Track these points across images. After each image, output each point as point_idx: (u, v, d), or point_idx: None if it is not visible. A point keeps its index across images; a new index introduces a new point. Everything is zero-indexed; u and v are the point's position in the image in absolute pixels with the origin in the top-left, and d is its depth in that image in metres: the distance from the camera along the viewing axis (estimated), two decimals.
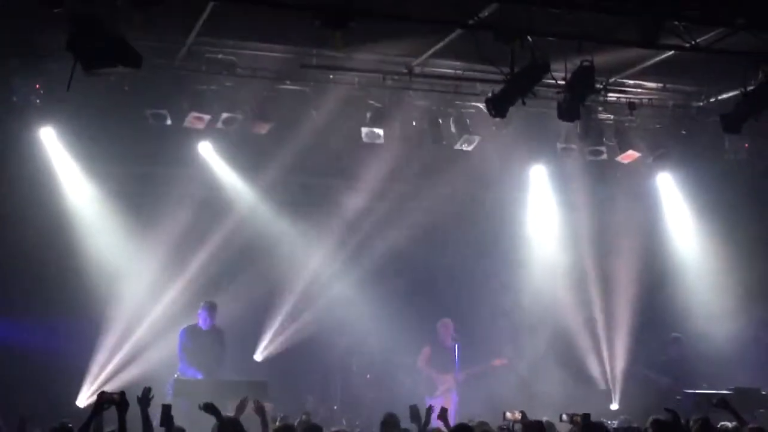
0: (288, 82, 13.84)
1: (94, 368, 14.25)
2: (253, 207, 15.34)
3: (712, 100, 14.36)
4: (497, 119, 12.21)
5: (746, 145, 15.14)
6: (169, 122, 13.62)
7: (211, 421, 8.75)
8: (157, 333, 14.49)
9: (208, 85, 13.56)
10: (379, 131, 14.31)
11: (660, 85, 14.34)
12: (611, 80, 13.72)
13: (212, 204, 15.00)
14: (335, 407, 15.31)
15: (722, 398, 10.33)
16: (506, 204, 16.49)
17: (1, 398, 12.57)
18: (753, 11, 11.04)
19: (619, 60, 12.90)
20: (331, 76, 13.73)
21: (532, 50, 11.14)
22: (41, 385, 13.73)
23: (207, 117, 13.69)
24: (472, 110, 14.50)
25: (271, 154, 14.55)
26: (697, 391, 13.55)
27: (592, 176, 15.88)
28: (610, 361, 16.27)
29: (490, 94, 11.98)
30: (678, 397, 13.68)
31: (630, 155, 15.10)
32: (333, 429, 10.15)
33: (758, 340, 15.79)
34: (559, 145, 15.24)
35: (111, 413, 7.92)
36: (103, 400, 7.89)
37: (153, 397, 8.27)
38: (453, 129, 14.72)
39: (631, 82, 14.11)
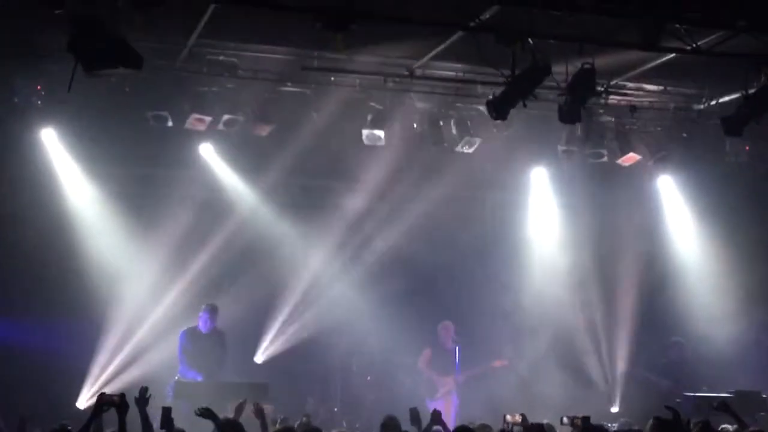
0: (289, 84, 13.84)
1: (94, 369, 14.25)
2: (254, 209, 15.34)
3: (713, 102, 14.35)
4: (498, 121, 12.21)
5: (747, 147, 15.14)
6: (170, 124, 13.63)
7: (209, 423, 8.75)
8: (157, 335, 14.49)
9: (210, 86, 13.56)
10: (380, 133, 14.32)
11: (661, 87, 14.34)
12: (612, 83, 13.73)
13: (213, 205, 15.01)
14: (335, 409, 15.31)
15: (723, 401, 10.32)
16: (507, 206, 16.51)
17: (1, 398, 12.57)
18: (754, 14, 11.04)
19: (620, 62, 12.90)
20: (332, 78, 13.73)
21: (533, 52, 11.15)
22: (41, 385, 13.73)
23: (208, 118, 13.69)
24: (473, 112, 14.50)
25: (272, 155, 14.56)
26: (697, 394, 13.54)
27: (592, 179, 15.88)
28: (611, 364, 16.27)
29: (491, 97, 11.99)
30: (678, 400, 13.66)
31: (631, 158, 15.10)
32: (334, 431, 10.16)
33: (759, 343, 15.78)
34: (560, 148, 15.24)
35: (111, 415, 7.92)
36: (103, 401, 7.89)
37: (150, 396, 8.26)
38: (454, 131, 14.72)
39: (632, 84, 14.10)
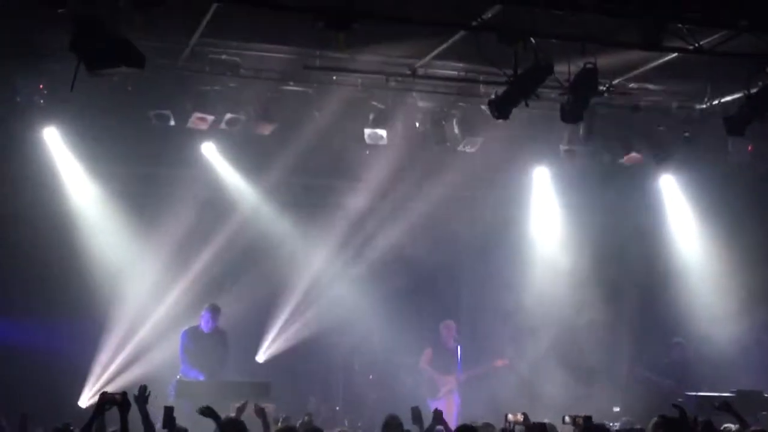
0: (291, 83, 13.82)
1: (96, 368, 14.28)
2: (256, 208, 15.35)
3: (716, 102, 14.32)
4: (500, 121, 12.19)
5: (750, 147, 15.11)
6: (172, 123, 13.62)
7: (211, 421, 8.76)
8: (159, 334, 14.52)
9: (212, 85, 13.54)
10: (382, 132, 14.31)
11: (663, 87, 14.31)
12: (614, 82, 13.70)
13: (215, 205, 15.02)
14: (337, 408, 15.33)
15: (724, 401, 10.32)
16: (509, 205, 16.49)
17: (3, 397, 12.58)
18: (756, 13, 11.03)
19: (623, 62, 12.88)
20: (334, 78, 13.72)
21: (535, 52, 11.13)
22: (43, 384, 13.75)
23: (210, 118, 13.68)
24: (475, 112, 14.48)
25: (274, 155, 14.56)
26: (699, 394, 13.54)
27: (594, 178, 15.86)
28: (612, 363, 16.27)
29: (493, 96, 11.98)
30: (680, 400, 13.67)
31: (633, 157, 15.09)
32: (336, 430, 10.17)
33: (761, 343, 15.77)
34: (561, 147, 15.22)
35: (113, 414, 7.93)
36: (105, 400, 7.90)
37: (149, 394, 8.26)
38: (456, 130, 14.71)
39: (634, 84, 14.08)
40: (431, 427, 9.64)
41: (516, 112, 12.03)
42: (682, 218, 16.57)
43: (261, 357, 15.48)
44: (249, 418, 9.29)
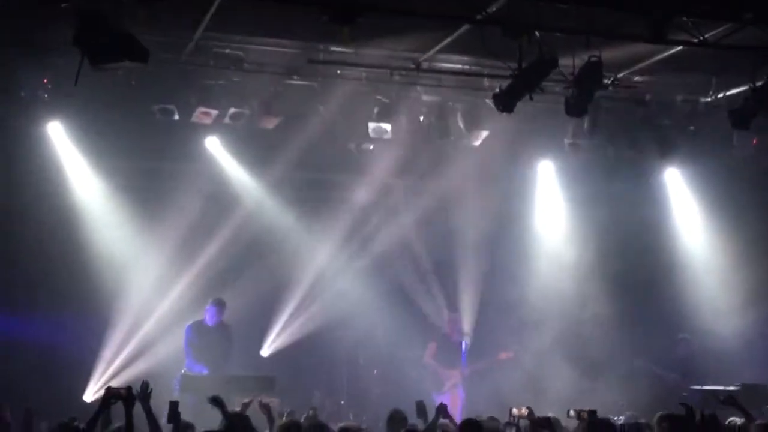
0: (295, 77, 13.81)
1: (101, 363, 14.28)
2: (260, 202, 15.33)
3: (721, 95, 14.30)
4: (504, 114, 12.18)
5: (755, 141, 15.09)
6: (176, 117, 13.62)
7: (217, 416, 8.76)
8: (164, 328, 14.52)
9: (216, 80, 13.54)
10: (387, 126, 14.31)
11: (668, 80, 14.29)
12: (619, 75, 13.68)
13: (219, 199, 15.01)
14: (342, 402, 15.33)
15: (729, 395, 10.31)
16: (513, 199, 16.47)
17: (8, 392, 12.58)
18: (762, 6, 11.00)
19: (627, 55, 12.86)
20: (338, 72, 13.71)
21: (540, 45, 11.12)
22: (48, 379, 13.76)
23: (214, 112, 13.69)
24: (480, 105, 14.47)
25: (278, 149, 14.54)
26: (704, 388, 13.53)
27: (599, 172, 15.84)
28: (617, 357, 16.25)
29: (497, 90, 11.96)
30: (685, 394, 13.67)
31: (636, 151, 15.09)
32: (340, 424, 10.16)
33: (765, 337, 15.74)
34: (566, 141, 15.22)
35: (118, 408, 7.93)
36: (110, 395, 7.91)
37: (151, 391, 8.27)
38: (460, 124, 14.70)
39: (639, 77, 14.06)
40: (434, 421, 9.63)
41: (520, 106, 12.01)
42: (687, 212, 16.56)
43: (265, 351, 15.48)
44: (254, 412, 9.30)
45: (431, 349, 15.39)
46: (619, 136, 15.08)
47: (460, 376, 15.19)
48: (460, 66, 13.74)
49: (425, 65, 13.52)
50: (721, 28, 11.62)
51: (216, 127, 14.16)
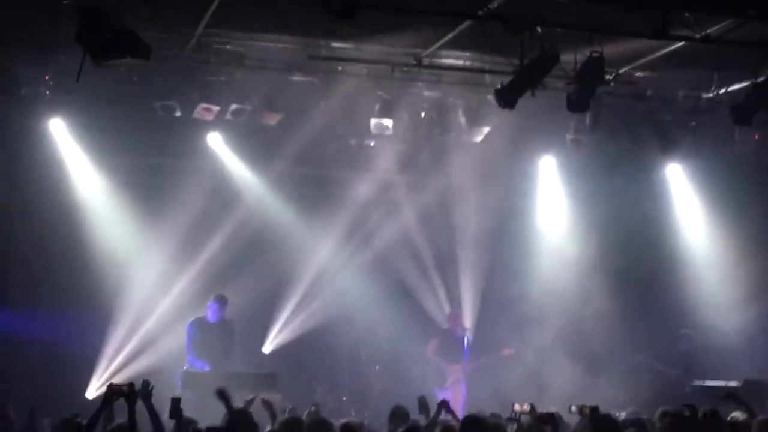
0: (297, 73, 13.81)
1: (103, 360, 14.29)
2: (261, 198, 15.34)
3: (723, 91, 14.29)
4: (506, 110, 12.17)
5: (756, 136, 15.08)
6: (178, 114, 13.64)
7: (220, 412, 8.78)
8: (166, 324, 14.51)
9: (217, 76, 13.55)
10: (388, 122, 14.31)
11: (670, 76, 14.28)
12: (621, 71, 13.68)
13: (221, 195, 15.01)
14: (344, 398, 15.33)
15: (729, 391, 10.31)
16: (515, 195, 16.47)
17: (11, 389, 12.61)
18: (764, 2, 10.99)
19: (629, 51, 12.85)
20: (339, 68, 13.71)
21: (542, 41, 11.11)
22: (50, 376, 13.77)
23: (216, 108, 13.70)
24: (481, 101, 14.46)
25: (279, 145, 14.55)
26: (705, 383, 13.53)
27: (601, 168, 15.84)
28: (619, 352, 16.25)
29: (499, 86, 11.95)
30: (686, 389, 13.68)
31: (638, 146, 15.09)
32: (342, 420, 10.16)
33: (767, 332, 15.74)
34: (568, 137, 15.22)
35: (121, 404, 7.94)
36: (112, 391, 7.91)
37: (152, 388, 8.28)
38: (461, 120, 14.71)
39: (641, 73, 14.05)
40: (436, 417, 9.64)
41: (522, 102, 12.00)
42: (689, 207, 16.56)
43: (267, 348, 15.48)
44: (256, 409, 9.31)
45: (433, 344, 15.40)
46: (621, 131, 15.07)
47: (462, 372, 15.20)
48: (461, 62, 13.74)
49: (427, 61, 13.52)
50: (723, 24, 11.60)
51: (217, 123, 14.16)
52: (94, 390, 14.07)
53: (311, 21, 11.34)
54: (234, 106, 13.77)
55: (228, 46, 13.08)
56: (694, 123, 15.08)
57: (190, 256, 14.80)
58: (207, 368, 13.20)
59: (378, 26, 11.83)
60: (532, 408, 9.41)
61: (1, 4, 11.21)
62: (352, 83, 13.86)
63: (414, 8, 11.10)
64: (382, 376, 15.80)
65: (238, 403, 9.52)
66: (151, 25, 10.69)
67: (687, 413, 8.82)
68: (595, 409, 8.90)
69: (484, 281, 16.35)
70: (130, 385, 7.90)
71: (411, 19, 11.81)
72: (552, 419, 9.08)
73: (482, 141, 14.85)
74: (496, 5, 11.02)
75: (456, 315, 15.69)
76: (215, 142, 14.85)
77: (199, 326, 13.60)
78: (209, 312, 13.66)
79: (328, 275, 15.75)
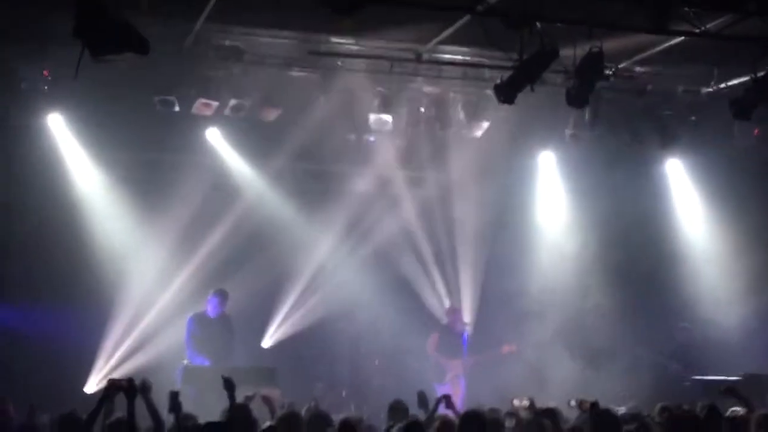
0: (296, 68, 13.80)
1: (102, 355, 14.29)
2: (260, 193, 15.32)
3: (722, 86, 14.29)
4: (505, 105, 12.17)
5: (756, 131, 15.09)
6: (177, 108, 13.62)
7: (219, 407, 8.78)
8: (165, 319, 14.51)
9: (216, 71, 13.54)
10: (387, 118, 14.32)
11: (669, 71, 14.27)
12: (620, 66, 13.67)
13: (220, 190, 15.00)
14: (343, 393, 15.32)
15: (729, 386, 10.32)
16: (514, 190, 16.46)
17: (10, 385, 12.58)
18: None
19: (629, 46, 12.84)
20: (339, 63, 13.70)
21: (541, 36, 11.09)
22: (50, 371, 13.74)
23: (215, 103, 13.69)
24: (481, 97, 14.45)
25: (279, 140, 14.54)
26: (705, 378, 13.53)
27: (600, 163, 15.82)
28: (619, 347, 16.25)
29: (498, 81, 11.94)
30: (686, 384, 13.69)
31: (637, 141, 15.09)
32: (341, 415, 10.16)
33: (766, 326, 15.74)
34: (567, 132, 15.21)
35: (120, 399, 7.94)
36: (112, 386, 7.91)
37: (152, 386, 8.30)
38: (461, 115, 14.70)
39: (641, 68, 14.04)
40: (433, 411, 9.64)
41: (521, 97, 11.99)
42: (688, 202, 16.56)
43: (267, 343, 15.48)
44: (256, 404, 9.32)
45: (433, 339, 15.39)
46: (620, 126, 15.06)
47: (461, 368, 15.19)
48: (460, 57, 13.74)
49: (426, 56, 13.52)
50: (722, 18, 11.59)
51: (217, 118, 14.15)
52: (93, 385, 14.07)
53: (310, 16, 11.32)
54: (233, 102, 13.76)
55: (227, 41, 13.06)
56: (693, 118, 15.08)
57: (189, 251, 14.79)
58: (207, 363, 13.19)
59: (377, 21, 11.82)
60: (532, 403, 9.43)
61: None
62: (351, 78, 13.86)
63: (414, 3, 11.08)
64: (381, 371, 15.81)
65: (237, 398, 9.54)
66: (150, 19, 10.66)
67: (686, 407, 8.83)
68: (594, 404, 8.91)
69: (483, 276, 16.35)
70: (130, 380, 7.92)
71: (411, 15, 11.79)
72: (552, 414, 9.09)
73: (482, 136, 14.84)
74: (495, 0, 11.00)
75: (455, 310, 15.69)
76: (214, 137, 14.83)
77: (200, 321, 13.59)
78: (209, 306, 13.64)
79: (327, 270, 15.75)
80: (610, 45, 11.81)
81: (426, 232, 16.11)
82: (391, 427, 8.92)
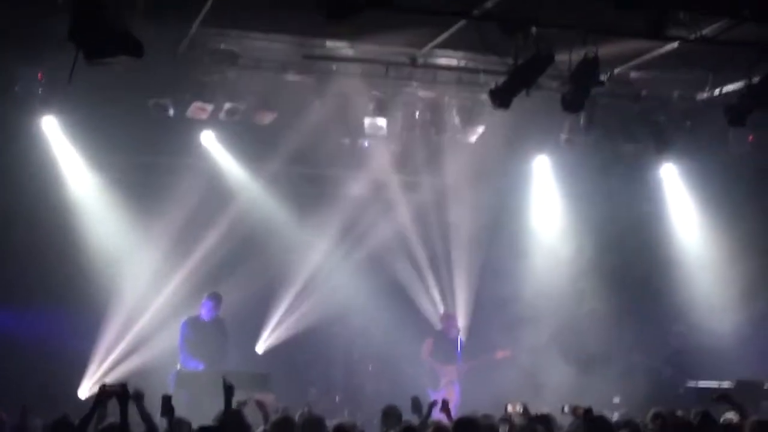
0: (291, 72, 13.79)
1: (96, 359, 14.25)
2: (255, 197, 15.31)
3: (717, 92, 14.29)
4: (501, 110, 12.16)
5: (750, 137, 15.10)
6: (171, 112, 13.61)
7: (211, 411, 8.76)
8: (159, 323, 14.48)
9: (211, 75, 13.52)
10: (382, 122, 14.31)
11: (664, 76, 14.27)
12: (616, 71, 13.67)
13: (214, 194, 14.97)
14: (337, 398, 15.31)
15: (722, 393, 10.32)
16: (509, 195, 16.46)
17: (2, 388, 12.56)
18: (758, 2, 10.98)
19: (624, 51, 12.85)
20: (334, 67, 13.69)
21: (537, 41, 11.09)
22: (43, 376, 13.70)
23: (210, 107, 13.68)
24: (476, 101, 14.45)
25: (273, 144, 14.53)
26: (699, 384, 13.53)
27: (595, 167, 15.83)
28: (613, 353, 16.25)
29: (493, 85, 11.94)
30: (680, 390, 13.68)
31: (633, 147, 15.11)
32: (335, 421, 10.13)
33: (760, 333, 15.75)
34: (562, 136, 15.22)
35: (113, 404, 7.92)
36: (105, 391, 7.89)
37: (144, 394, 8.28)
38: (456, 120, 14.71)
39: (636, 73, 14.05)
40: (427, 416, 9.64)
41: (516, 102, 11.99)
42: (683, 208, 16.57)
43: (260, 347, 15.45)
44: (250, 409, 9.29)
45: (428, 344, 15.37)
46: (616, 131, 15.07)
47: (455, 373, 15.18)
48: (456, 62, 13.73)
49: (421, 61, 13.52)
50: (717, 24, 11.60)
51: (211, 122, 14.14)
52: (86, 389, 14.03)
53: (305, 20, 11.31)
54: (228, 105, 13.75)
55: (222, 45, 13.05)
56: (688, 123, 15.08)
57: (183, 254, 14.77)
58: (201, 367, 13.16)
59: (373, 26, 11.80)
60: (525, 409, 9.42)
61: None
62: (346, 83, 13.86)
63: (409, 8, 11.06)
64: (375, 377, 15.80)
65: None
66: (145, 22, 10.64)
67: (680, 414, 8.83)
68: (588, 410, 8.91)
69: (478, 281, 16.34)
70: (123, 385, 7.89)
71: (406, 19, 11.77)
72: (546, 420, 9.08)
73: (476, 140, 14.85)
74: (490, 5, 11.00)
75: (450, 315, 15.67)
76: (209, 140, 14.81)
77: (193, 325, 13.55)
78: (203, 310, 13.61)
79: (322, 274, 15.73)
80: (605, 50, 11.83)
81: (420, 237, 16.10)
82: None
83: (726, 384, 13.05)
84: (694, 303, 16.01)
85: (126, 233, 14.53)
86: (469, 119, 14.61)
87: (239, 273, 14.73)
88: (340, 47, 13.12)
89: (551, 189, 16.59)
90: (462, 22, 11.80)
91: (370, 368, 15.86)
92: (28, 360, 13.83)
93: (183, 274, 14.69)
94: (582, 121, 14.62)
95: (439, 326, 15.68)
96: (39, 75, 13.00)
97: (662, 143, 15.18)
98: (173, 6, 11.09)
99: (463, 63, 13.73)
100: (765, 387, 13.69)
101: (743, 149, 15.21)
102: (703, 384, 13.51)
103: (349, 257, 15.78)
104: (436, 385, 15.04)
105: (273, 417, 9.34)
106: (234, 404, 9.39)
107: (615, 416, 12.08)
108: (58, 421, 8.73)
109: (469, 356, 15.33)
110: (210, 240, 14.77)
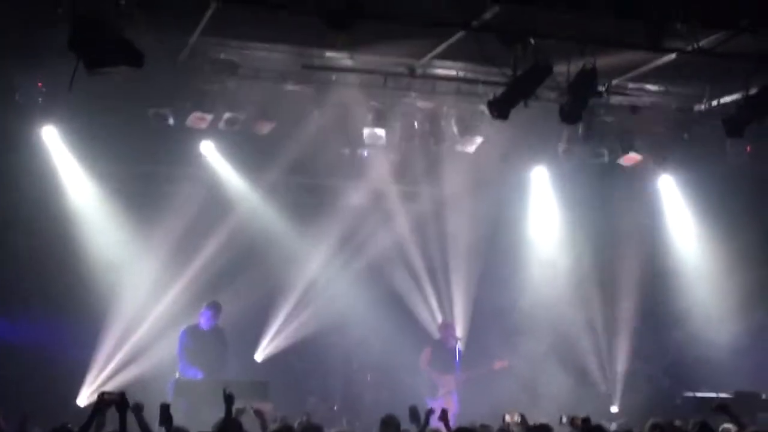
0: (290, 82, 13.83)
1: (95, 367, 14.25)
2: (254, 207, 15.33)
3: (715, 103, 14.33)
4: (499, 121, 12.20)
5: (748, 148, 15.13)
6: (171, 122, 13.64)
7: (210, 420, 8.77)
8: (158, 332, 14.48)
9: (211, 85, 13.56)
10: (381, 132, 14.34)
11: (662, 88, 14.33)
12: (613, 83, 13.71)
13: (214, 203, 14.99)
14: (335, 407, 15.30)
15: (721, 403, 10.33)
16: (507, 205, 16.49)
17: (2, 396, 12.55)
18: (756, 13, 11.03)
19: (622, 62, 12.88)
20: (333, 77, 13.73)
21: (535, 52, 11.14)
22: (42, 384, 13.70)
23: (209, 117, 13.71)
24: (474, 112, 14.49)
25: (272, 154, 14.56)
26: (697, 395, 13.54)
27: (593, 178, 15.87)
28: (611, 363, 16.28)
29: (492, 96, 11.98)
30: (678, 401, 13.69)
31: (632, 158, 15.14)
32: (333, 430, 10.17)
33: (758, 344, 15.77)
34: (560, 147, 15.25)
35: (112, 412, 7.93)
36: (104, 400, 7.90)
37: (143, 407, 8.30)
38: (454, 130, 14.73)
39: (634, 84, 14.09)
40: (424, 426, 9.64)
41: (514, 112, 12.02)
42: (681, 219, 16.59)
43: (259, 356, 15.46)
44: (248, 418, 9.30)
45: (426, 354, 15.37)
46: (613, 143, 15.10)
47: (454, 383, 15.18)
48: (454, 72, 13.76)
49: (420, 71, 13.56)
50: (714, 36, 11.64)
51: (211, 131, 14.17)
52: (85, 398, 14.03)
53: (305, 31, 11.35)
54: (227, 115, 13.78)
55: (222, 55, 13.09)
56: (686, 135, 15.12)
57: (182, 263, 14.78)
58: (199, 376, 13.17)
59: (372, 36, 11.83)
60: (523, 419, 9.43)
61: None
62: (345, 93, 13.89)
63: (408, 19, 11.11)
64: (374, 386, 15.78)
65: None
66: (145, 32, 10.68)
67: (678, 424, 8.85)
68: (586, 420, 8.92)
69: (476, 291, 16.35)
70: (122, 393, 7.90)
71: (404, 30, 11.81)
72: (543, 430, 9.09)
73: (475, 151, 14.87)
74: (489, 16, 11.04)
75: (448, 325, 15.68)
76: (208, 150, 14.85)
77: (192, 334, 13.57)
78: (202, 319, 13.63)
79: (320, 284, 15.75)
80: (603, 62, 11.86)
81: (419, 247, 16.12)
82: None
83: (724, 395, 13.06)
84: (692, 314, 16.02)
85: (126, 242, 14.55)
86: (467, 130, 14.63)
87: (238, 282, 14.75)
88: (339, 57, 13.16)
89: (549, 199, 16.62)
90: (461, 33, 11.83)
91: (368, 377, 15.85)
92: (28, 368, 13.84)
93: (182, 283, 14.70)
94: (580, 131, 14.65)
95: (437, 336, 15.70)
96: (39, 84, 13.02)
97: (660, 154, 15.21)
98: (173, 16, 11.12)
99: (461, 74, 13.76)
100: (763, 398, 13.72)
101: (741, 160, 15.23)
102: (701, 395, 13.51)
103: (348, 267, 15.80)
104: (435, 394, 15.04)
105: (271, 426, 9.35)
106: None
107: (613, 426, 12.11)
108: (57, 429, 8.73)
109: (468, 366, 15.33)
110: (209, 249, 14.79)
